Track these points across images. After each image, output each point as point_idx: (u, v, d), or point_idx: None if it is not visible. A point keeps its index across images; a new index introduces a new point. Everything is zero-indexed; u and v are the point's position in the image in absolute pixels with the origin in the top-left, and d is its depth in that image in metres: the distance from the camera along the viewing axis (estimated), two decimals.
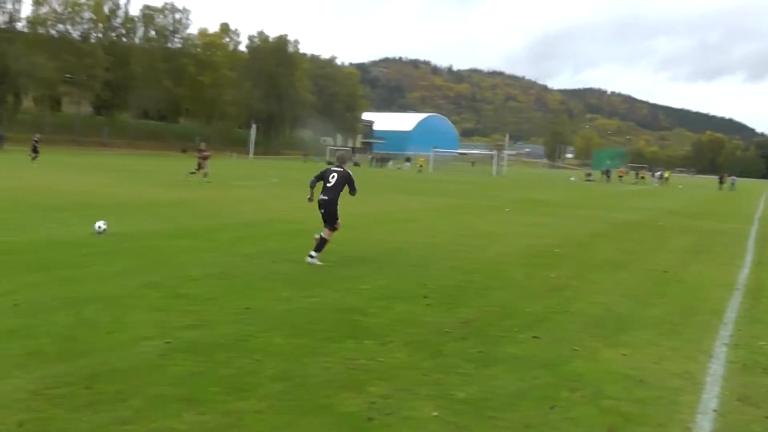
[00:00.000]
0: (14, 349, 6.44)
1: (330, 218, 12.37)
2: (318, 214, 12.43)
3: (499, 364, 6.87)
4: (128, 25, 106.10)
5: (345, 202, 12.78)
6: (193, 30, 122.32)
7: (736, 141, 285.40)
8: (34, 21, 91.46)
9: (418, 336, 7.69)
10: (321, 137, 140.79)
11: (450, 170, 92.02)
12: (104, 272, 10.34)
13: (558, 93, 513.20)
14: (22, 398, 5.25)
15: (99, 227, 14.24)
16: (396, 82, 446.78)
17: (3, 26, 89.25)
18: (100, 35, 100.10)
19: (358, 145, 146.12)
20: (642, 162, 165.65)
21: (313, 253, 12.15)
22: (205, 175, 34.45)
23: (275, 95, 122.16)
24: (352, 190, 12.61)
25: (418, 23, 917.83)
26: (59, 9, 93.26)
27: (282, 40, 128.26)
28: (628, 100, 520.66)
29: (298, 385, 5.91)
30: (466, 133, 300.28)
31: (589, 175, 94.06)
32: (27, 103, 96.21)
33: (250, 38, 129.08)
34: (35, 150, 44.49)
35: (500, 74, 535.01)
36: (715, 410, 5.97)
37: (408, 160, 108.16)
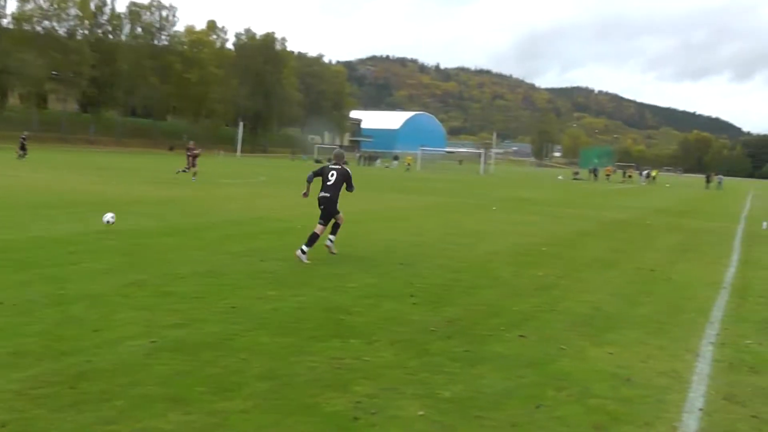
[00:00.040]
0: None
1: (330, 215, 12.67)
2: (309, 211, 12.45)
3: (485, 363, 6.86)
4: (114, 22, 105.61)
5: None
6: (179, 27, 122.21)
7: (723, 140, 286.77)
8: (19, 17, 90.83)
9: (404, 335, 7.67)
10: (308, 135, 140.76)
11: (437, 169, 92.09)
12: (92, 270, 10.28)
13: (545, 92, 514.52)
14: (6, 398, 5.20)
15: (108, 220, 14.50)
16: (383, 80, 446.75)
17: None
18: (86, 32, 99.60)
19: (345, 143, 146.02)
20: (629, 161, 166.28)
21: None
22: (195, 174, 34.37)
23: (262, 93, 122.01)
24: (350, 187, 12.95)
25: (406, 21, 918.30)
26: (45, 5, 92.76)
27: (269, 38, 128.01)
28: (616, 99, 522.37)
29: (283, 385, 5.88)
30: (453, 132, 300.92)
31: (576, 173, 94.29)
32: (13, 100, 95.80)
33: (237, 36, 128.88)
34: (23, 148, 44.30)
35: (487, 73, 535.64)
36: (701, 409, 5.97)
37: (396, 158, 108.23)
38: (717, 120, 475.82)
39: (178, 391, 5.58)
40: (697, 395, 6.33)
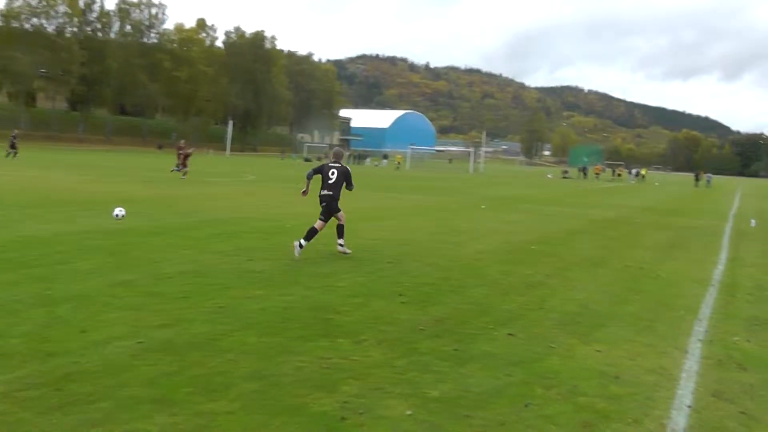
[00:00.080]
0: None
1: (330, 212, 12.84)
2: (297, 210, 12.41)
3: (473, 361, 6.84)
4: (104, 20, 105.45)
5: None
6: (169, 25, 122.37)
7: (712, 139, 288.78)
8: (7, 14, 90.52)
9: (392, 334, 7.64)
10: (298, 134, 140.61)
11: (427, 167, 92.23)
12: (79, 270, 10.22)
13: (535, 90, 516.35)
14: None
15: (117, 214, 14.72)
16: (373, 79, 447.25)
17: None
18: (75, 29, 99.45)
19: (335, 142, 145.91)
20: (619, 159, 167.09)
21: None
22: (185, 173, 34.36)
23: (252, 91, 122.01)
24: (350, 186, 13.13)
25: (396, 20, 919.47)
26: (34, 2, 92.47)
27: (259, 36, 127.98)
28: (605, 98, 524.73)
29: (271, 385, 5.85)
30: (443, 131, 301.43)
31: (566, 172, 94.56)
32: (1, 98, 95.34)
33: (227, 34, 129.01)
34: (13, 146, 44.01)
35: (477, 72, 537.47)
36: (689, 406, 5.97)
37: (385, 157, 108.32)
38: (706, 119, 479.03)
39: (165, 392, 5.54)
40: (685, 392, 6.33)
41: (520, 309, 9.38)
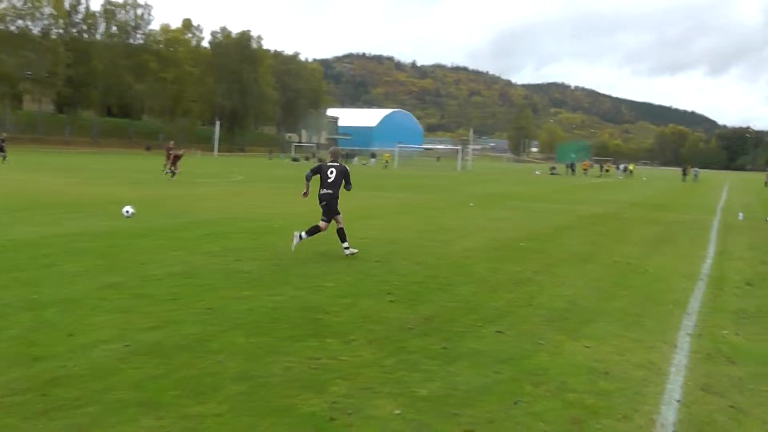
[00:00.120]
0: None
1: (331, 211, 12.92)
2: (285, 210, 12.38)
3: (462, 359, 6.83)
4: (89, 21, 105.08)
5: (311, 198, 13.08)
6: (155, 26, 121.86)
7: (699, 133, 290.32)
8: None
9: (381, 333, 7.62)
10: (285, 134, 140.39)
11: (415, 166, 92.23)
12: (67, 273, 10.18)
13: (522, 88, 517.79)
14: None
15: (128, 211, 14.30)
16: (360, 77, 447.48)
17: None
18: (61, 31, 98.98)
19: (323, 141, 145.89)
20: (606, 155, 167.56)
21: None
22: (173, 174, 34.32)
23: (239, 91, 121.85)
24: (348, 185, 13.20)
25: (382, 19, 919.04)
26: (19, 4, 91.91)
27: (245, 36, 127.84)
28: (592, 94, 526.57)
29: (259, 386, 5.82)
30: (430, 129, 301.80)
31: (553, 168, 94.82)
32: None
33: (213, 34, 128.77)
34: (2, 150, 43.76)
35: (464, 69, 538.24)
36: (678, 400, 5.98)
37: (373, 156, 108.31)
38: (693, 114, 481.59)
39: (152, 395, 5.51)
40: (674, 387, 6.34)
41: (508, 306, 9.37)
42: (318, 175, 13.05)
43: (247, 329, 7.52)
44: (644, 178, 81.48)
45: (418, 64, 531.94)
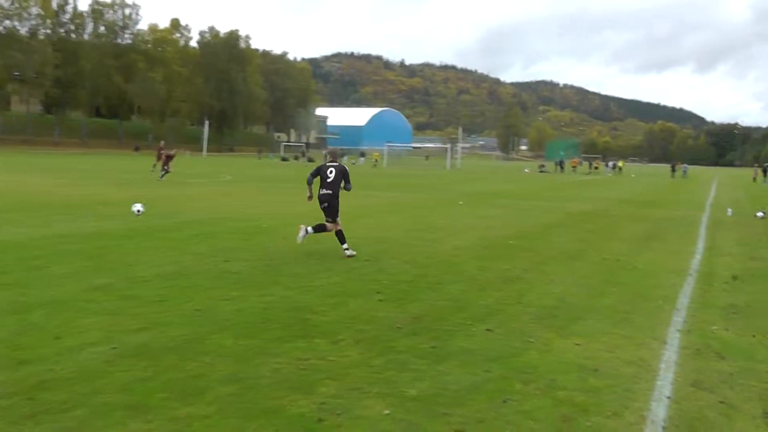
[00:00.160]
0: None
1: (333, 211, 12.98)
2: (274, 210, 12.33)
3: (451, 358, 6.80)
4: (77, 21, 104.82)
5: (301, 198, 13.00)
6: (143, 26, 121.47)
7: (687, 130, 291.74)
8: None
9: (369, 333, 7.59)
10: (274, 133, 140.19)
11: (404, 164, 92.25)
12: (55, 275, 10.11)
13: (510, 86, 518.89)
14: None
15: (138, 210, 15.17)
16: (349, 77, 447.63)
17: None
18: (48, 31, 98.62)
19: (312, 140, 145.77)
20: (595, 152, 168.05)
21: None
22: (166, 172, 34.25)
23: (227, 91, 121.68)
24: (347, 185, 13.22)
25: (370, 18, 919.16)
26: (6, 4, 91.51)
27: (233, 36, 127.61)
28: (581, 92, 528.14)
29: (248, 388, 5.77)
30: (419, 127, 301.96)
31: (542, 166, 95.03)
32: None
33: (201, 34, 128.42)
34: None
35: (452, 68, 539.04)
36: (669, 397, 5.97)
37: (362, 155, 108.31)
38: (681, 110, 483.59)
39: (140, 398, 5.46)
40: (664, 383, 6.33)
41: (498, 304, 9.35)
42: (318, 177, 13.09)
43: (235, 330, 7.48)
44: (633, 175, 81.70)
45: (407, 62, 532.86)
